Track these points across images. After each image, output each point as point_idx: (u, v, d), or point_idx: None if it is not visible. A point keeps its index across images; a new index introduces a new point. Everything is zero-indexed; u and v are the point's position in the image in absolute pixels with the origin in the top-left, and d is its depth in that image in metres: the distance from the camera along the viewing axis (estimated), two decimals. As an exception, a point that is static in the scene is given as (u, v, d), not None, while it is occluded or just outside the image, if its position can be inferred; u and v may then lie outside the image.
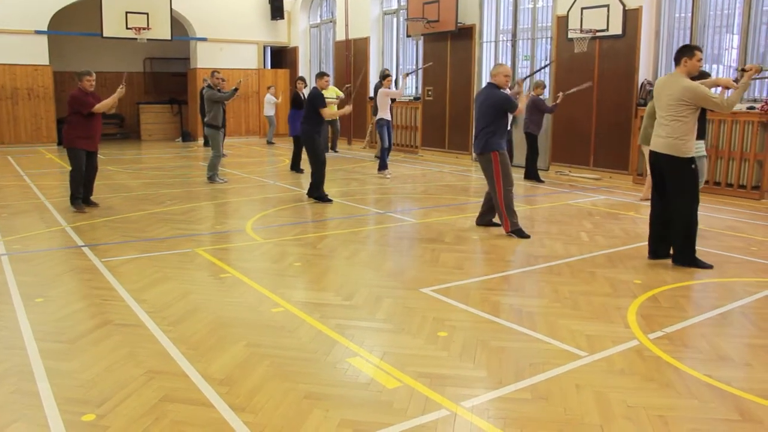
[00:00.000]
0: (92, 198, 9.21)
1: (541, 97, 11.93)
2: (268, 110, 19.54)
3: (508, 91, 7.76)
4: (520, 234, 7.41)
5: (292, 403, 3.53)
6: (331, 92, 16.06)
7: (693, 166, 6.08)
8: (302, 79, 13.87)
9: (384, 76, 13.19)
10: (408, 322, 4.76)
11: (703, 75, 7.24)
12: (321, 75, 10.14)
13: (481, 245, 7.21)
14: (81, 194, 8.90)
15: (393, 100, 13.36)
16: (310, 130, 9.74)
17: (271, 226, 8.07)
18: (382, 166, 12.64)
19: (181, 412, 3.41)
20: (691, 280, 5.85)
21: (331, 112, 10.02)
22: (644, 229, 7.88)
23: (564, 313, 4.99)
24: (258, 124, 21.50)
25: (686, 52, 6.07)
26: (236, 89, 11.55)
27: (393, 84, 14.90)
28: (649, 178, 9.43)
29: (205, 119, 11.63)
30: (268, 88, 19.38)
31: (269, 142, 19.79)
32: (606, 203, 9.70)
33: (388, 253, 6.95)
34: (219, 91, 11.54)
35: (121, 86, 9.14)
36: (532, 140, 11.95)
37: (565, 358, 4.12)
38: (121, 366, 3.98)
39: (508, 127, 7.85)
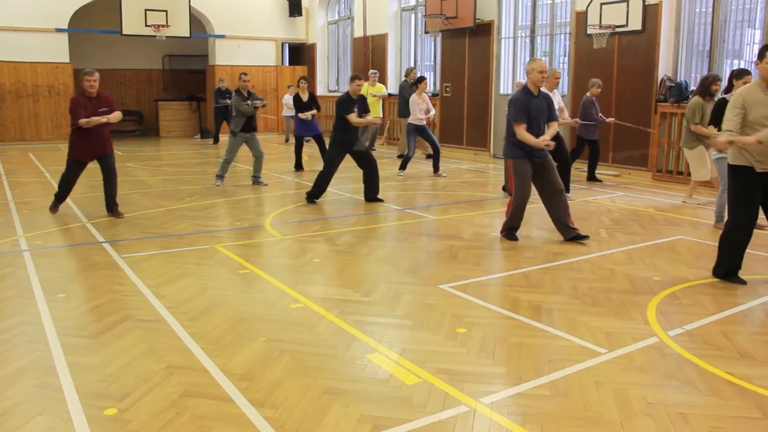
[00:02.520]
0: (119, 208, 8.42)
1: (594, 98, 11.00)
2: (287, 110, 18.88)
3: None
4: (509, 235, 7.20)
5: (312, 398, 3.54)
6: (378, 90, 15.91)
7: None
8: (305, 79, 13.27)
9: (419, 79, 12.52)
10: (427, 319, 4.76)
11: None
12: (352, 79, 9.52)
13: (500, 242, 7.19)
14: (62, 198, 8.57)
15: None
16: (334, 137, 9.35)
17: (290, 223, 8.10)
18: (402, 166, 12.37)
19: (201, 407, 3.44)
20: (711, 278, 5.79)
21: (356, 120, 9.30)
22: (663, 225, 7.84)
23: (583, 309, 4.97)
24: (276, 122, 21.54)
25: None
26: (256, 108, 10.95)
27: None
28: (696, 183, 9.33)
29: (230, 125, 11.05)
30: (288, 87, 19.14)
31: (285, 140, 19.43)
32: (624, 200, 9.63)
33: (407, 249, 6.95)
34: (247, 95, 10.84)
35: (118, 114, 8.31)
36: (580, 142, 11.30)
37: (584, 355, 4.11)
38: (142, 361, 4.02)
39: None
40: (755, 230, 7.55)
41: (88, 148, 8.15)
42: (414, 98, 12.16)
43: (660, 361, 4.04)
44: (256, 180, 11.06)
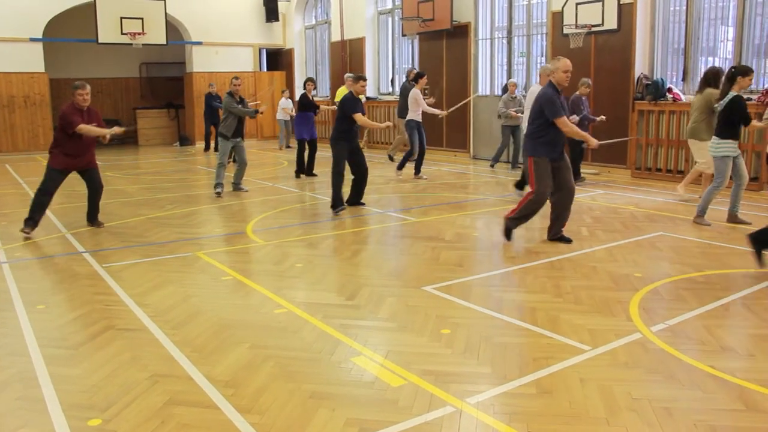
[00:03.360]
0: (99, 218, 8.35)
1: (583, 97, 11.08)
2: (283, 114, 18.52)
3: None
4: (507, 233, 7.06)
5: (298, 403, 3.53)
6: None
7: None
8: (311, 80, 13.06)
9: (419, 75, 12.30)
10: (411, 321, 4.77)
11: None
12: (357, 79, 9.30)
13: (481, 242, 7.21)
14: (39, 217, 7.85)
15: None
16: (335, 136, 9.10)
17: (272, 228, 8.08)
18: (400, 167, 12.31)
19: (187, 415, 3.42)
20: (693, 272, 5.85)
21: (365, 119, 9.12)
22: (644, 222, 7.91)
23: (566, 307, 5.00)
24: (255, 127, 21.48)
25: None
26: (257, 111, 11.01)
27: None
28: (690, 175, 9.38)
29: (219, 128, 10.77)
30: (283, 92, 18.88)
31: (287, 146, 18.76)
32: (604, 198, 9.70)
33: (389, 252, 6.95)
34: (240, 99, 10.65)
35: (118, 129, 8.15)
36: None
37: (568, 353, 4.13)
38: (125, 370, 3.98)
39: (562, 137, 6.91)
40: (737, 225, 7.67)
41: (72, 158, 7.87)
42: (415, 92, 11.91)
43: (643, 356, 4.07)
44: (237, 186, 10.92)
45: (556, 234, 7.08)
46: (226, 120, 10.60)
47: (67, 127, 7.67)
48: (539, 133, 6.83)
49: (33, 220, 7.77)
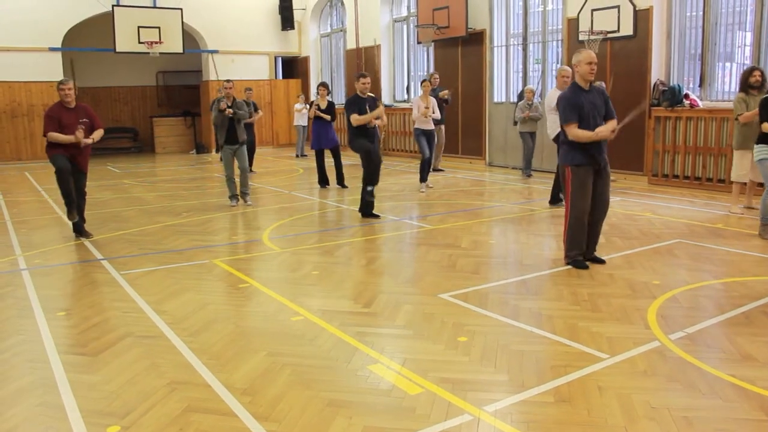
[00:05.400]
0: (86, 228, 8.26)
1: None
2: (299, 119, 18.33)
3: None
4: (578, 265, 6.27)
5: (315, 411, 3.54)
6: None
7: None
8: (324, 85, 12.82)
9: (360, 75, 12.05)
10: (428, 328, 4.76)
11: None
12: (357, 77, 9.18)
13: (498, 250, 7.20)
14: (75, 203, 7.92)
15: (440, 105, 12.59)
16: (349, 138, 9.06)
17: (288, 236, 8.10)
18: (422, 179, 11.78)
19: (205, 423, 3.43)
20: (711, 280, 5.81)
21: (357, 118, 8.86)
22: (661, 229, 7.85)
23: (583, 315, 4.97)
24: (271, 135, 21.58)
25: None
26: (221, 109, 10.22)
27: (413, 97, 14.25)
28: (739, 187, 8.94)
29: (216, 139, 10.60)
30: (298, 96, 18.75)
31: (302, 155, 18.57)
32: (621, 205, 9.65)
33: (405, 259, 6.95)
34: (234, 102, 10.34)
35: (78, 132, 7.78)
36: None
37: (586, 361, 4.11)
38: (143, 377, 4.01)
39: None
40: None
41: (64, 148, 7.81)
42: (415, 100, 11.80)
43: (662, 364, 4.04)
44: (243, 195, 10.48)
45: (588, 255, 6.44)
46: (217, 129, 10.37)
47: (44, 126, 7.75)
48: (565, 135, 6.26)
49: (69, 210, 7.90)
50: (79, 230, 8.17)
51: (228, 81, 10.59)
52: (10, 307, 5.47)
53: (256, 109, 14.61)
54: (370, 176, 8.99)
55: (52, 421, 3.49)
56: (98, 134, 8.00)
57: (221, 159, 12.43)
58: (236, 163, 10.34)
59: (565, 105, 6.14)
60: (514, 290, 5.69)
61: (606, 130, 6.11)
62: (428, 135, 11.75)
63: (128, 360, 4.29)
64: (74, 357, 4.37)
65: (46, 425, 3.45)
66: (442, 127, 13.66)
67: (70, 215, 7.98)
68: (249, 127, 13.21)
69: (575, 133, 6.09)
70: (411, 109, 12.51)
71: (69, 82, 7.74)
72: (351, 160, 14.76)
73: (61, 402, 3.70)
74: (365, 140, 9.02)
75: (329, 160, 12.30)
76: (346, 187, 11.94)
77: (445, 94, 13.78)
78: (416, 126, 11.80)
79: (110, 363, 4.25)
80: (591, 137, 6.06)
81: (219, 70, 19.96)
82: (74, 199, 7.91)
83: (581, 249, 6.33)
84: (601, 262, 6.41)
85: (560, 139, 6.41)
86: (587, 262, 6.32)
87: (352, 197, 10.68)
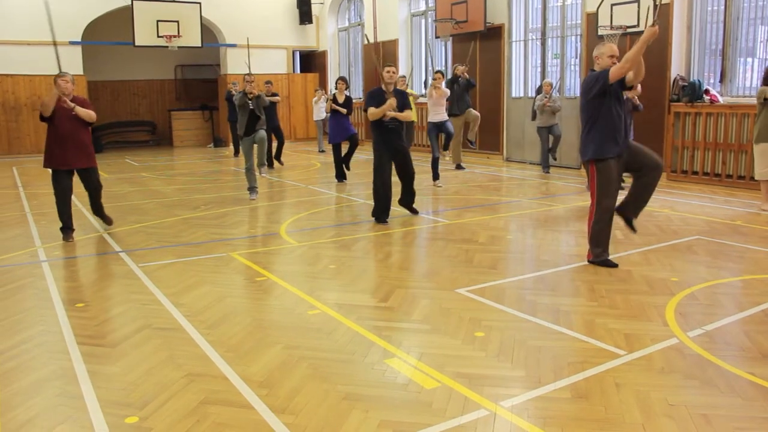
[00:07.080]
0: (108, 214, 8.25)
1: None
2: (319, 113, 18.05)
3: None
4: (605, 264, 6.15)
5: (332, 404, 3.55)
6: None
7: None
8: (343, 79, 12.65)
9: (339, 79, 12.38)
10: (444, 323, 4.76)
11: None
12: (383, 68, 8.47)
13: (515, 245, 7.17)
14: (68, 221, 7.73)
15: (449, 100, 12.51)
16: (373, 139, 8.50)
17: (305, 230, 8.12)
18: (435, 176, 11.59)
19: (222, 414, 3.45)
20: (730, 277, 5.76)
21: (374, 111, 8.19)
22: (679, 225, 7.79)
23: (601, 311, 4.95)
24: (289, 129, 21.61)
25: None
26: (247, 95, 10.27)
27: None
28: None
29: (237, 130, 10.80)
30: (316, 90, 18.63)
31: (320, 150, 18.41)
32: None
33: (423, 254, 6.95)
34: (249, 95, 10.31)
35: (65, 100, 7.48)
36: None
37: (604, 357, 4.09)
38: (161, 369, 4.04)
39: (623, 123, 6.02)
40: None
41: (61, 155, 7.55)
42: (428, 93, 11.67)
43: (680, 362, 4.02)
44: (260, 167, 10.90)
45: (629, 216, 6.27)
46: (238, 119, 10.57)
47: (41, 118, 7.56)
48: (596, 126, 5.98)
49: (64, 227, 7.73)
50: (103, 219, 8.24)
51: (249, 75, 10.57)
52: (30, 298, 5.53)
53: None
54: (378, 197, 8.42)
55: (71, 411, 3.52)
56: (84, 111, 7.60)
57: (235, 155, 12.54)
58: (255, 150, 10.55)
59: (596, 75, 5.99)
60: (532, 286, 5.67)
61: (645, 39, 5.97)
62: (439, 127, 11.88)
63: (146, 352, 4.32)
64: (93, 348, 4.41)
65: (65, 415, 3.48)
66: (471, 109, 13.45)
67: (64, 236, 7.73)
68: (273, 116, 14.00)
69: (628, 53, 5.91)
70: (426, 104, 12.53)
71: (67, 75, 7.59)
72: (366, 155, 14.70)
73: (80, 392, 3.73)
74: (383, 141, 8.36)
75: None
76: (349, 169, 12.18)
77: (460, 71, 13.23)
78: (429, 120, 11.90)
79: (128, 354, 4.29)
80: (642, 46, 5.96)
81: (235, 64, 20.00)
82: (70, 225, 7.76)
83: (605, 246, 6.20)
84: (633, 230, 6.41)
85: (582, 131, 6.18)
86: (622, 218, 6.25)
87: (368, 192, 10.67)
